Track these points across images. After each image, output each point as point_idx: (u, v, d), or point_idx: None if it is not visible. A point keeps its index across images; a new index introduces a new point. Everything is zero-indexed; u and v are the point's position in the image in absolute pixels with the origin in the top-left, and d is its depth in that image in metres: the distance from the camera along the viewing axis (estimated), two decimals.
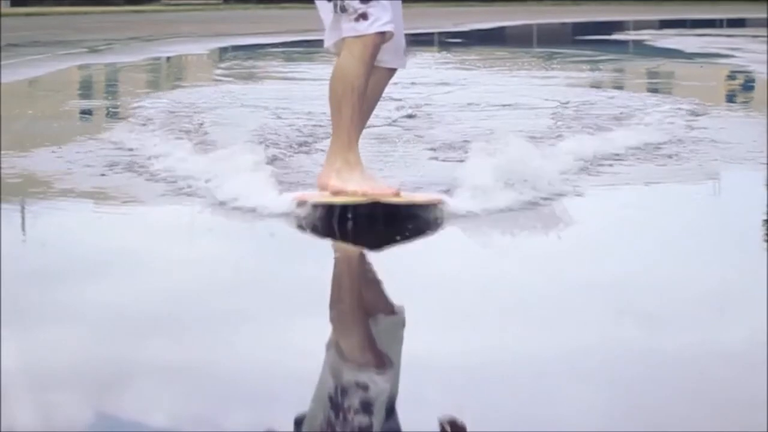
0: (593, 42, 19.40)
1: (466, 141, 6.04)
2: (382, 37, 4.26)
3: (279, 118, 7.31)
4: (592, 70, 12.40)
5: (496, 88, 9.86)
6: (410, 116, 7.48)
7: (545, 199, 4.44)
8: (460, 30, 24.41)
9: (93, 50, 16.88)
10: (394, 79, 4.76)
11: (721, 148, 6.05)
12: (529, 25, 27.39)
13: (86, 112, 8.83)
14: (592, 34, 22.51)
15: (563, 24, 29.13)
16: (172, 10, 41.09)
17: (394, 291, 3.45)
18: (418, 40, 18.72)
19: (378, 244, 4.06)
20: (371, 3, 4.20)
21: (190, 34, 22.46)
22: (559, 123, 6.98)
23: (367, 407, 2.43)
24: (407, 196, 4.24)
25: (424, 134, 6.54)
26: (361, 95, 4.28)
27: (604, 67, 12.98)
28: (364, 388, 2.53)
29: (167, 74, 13.77)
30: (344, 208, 4.13)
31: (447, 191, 4.38)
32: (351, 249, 4.07)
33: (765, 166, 5.58)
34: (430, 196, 4.34)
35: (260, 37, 21.02)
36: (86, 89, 11.61)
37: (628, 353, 2.82)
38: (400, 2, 4.40)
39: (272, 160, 5.30)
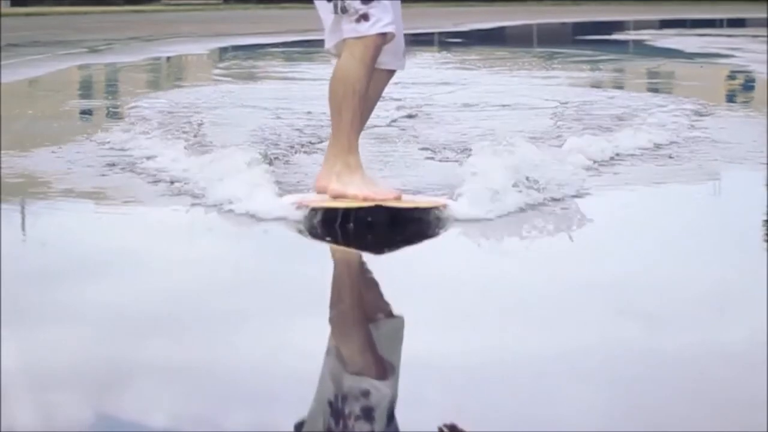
0: (593, 42, 19.41)
1: (466, 142, 6.04)
2: (384, 38, 4.22)
3: (279, 118, 7.31)
4: (592, 70, 12.40)
5: (496, 88, 9.86)
6: (410, 116, 7.48)
7: (553, 200, 4.43)
8: (460, 30, 24.41)
9: (93, 50, 16.88)
10: (394, 79, 4.75)
11: (721, 148, 6.05)
12: (529, 25, 27.40)
13: (86, 112, 8.83)
14: (592, 34, 22.51)
15: (563, 24, 29.14)
16: (172, 10, 41.10)
17: (394, 292, 3.45)
18: (418, 40, 18.72)
19: (380, 247, 4.04)
20: (372, 3, 4.17)
21: (190, 34, 22.47)
22: (560, 123, 6.98)
23: (367, 412, 2.43)
24: (409, 200, 4.21)
25: (424, 135, 6.54)
26: (361, 98, 4.25)
27: (605, 67, 12.98)
28: (365, 393, 2.53)
29: (167, 74, 13.77)
30: (346, 212, 4.08)
31: (449, 194, 4.35)
32: (351, 252, 4.05)
33: (765, 166, 5.58)
34: (433, 199, 4.31)
35: (260, 37, 21.03)
36: (86, 89, 11.61)
37: (628, 353, 2.82)
38: (400, 3, 4.37)
39: (272, 161, 5.30)
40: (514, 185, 4.33)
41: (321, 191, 4.31)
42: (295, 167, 5.35)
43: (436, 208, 4.15)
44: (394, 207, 4.09)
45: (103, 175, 5.21)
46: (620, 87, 10.53)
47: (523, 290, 3.47)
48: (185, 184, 4.74)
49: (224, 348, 2.87)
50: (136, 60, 14.88)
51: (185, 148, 5.60)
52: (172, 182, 4.84)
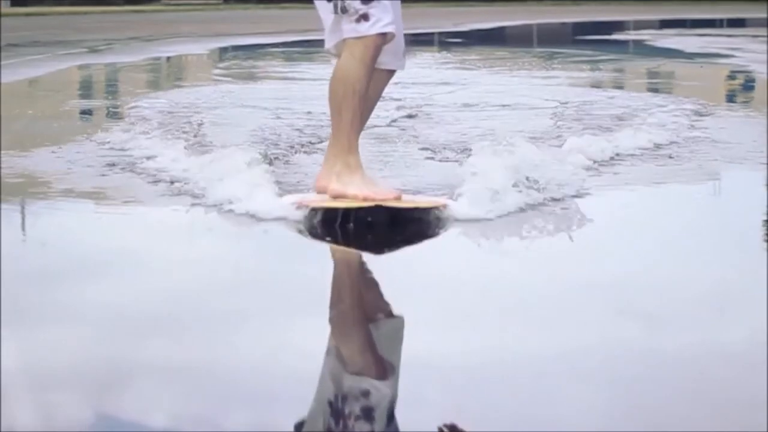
0: (593, 42, 19.41)
1: (466, 142, 6.04)
2: (384, 38, 4.22)
3: (279, 118, 7.31)
4: (592, 70, 12.40)
5: (496, 88, 9.86)
6: (410, 116, 7.48)
7: (553, 200, 4.42)
8: (460, 30, 24.41)
9: (93, 50, 16.88)
10: (394, 79, 4.75)
11: (721, 148, 6.05)
12: (529, 25, 27.40)
13: (86, 112, 8.83)
14: (592, 34, 22.51)
15: (563, 24, 29.14)
16: (172, 10, 41.10)
17: (394, 292, 3.45)
18: (418, 40, 18.72)
19: (380, 247, 4.04)
20: (372, 3, 4.16)
21: (190, 34, 22.47)
22: (560, 123, 6.98)
23: (367, 412, 2.43)
24: (409, 200, 4.20)
25: (424, 135, 6.54)
26: (362, 98, 4.24)
27: (605, 67, 12.98)
28: (365, 393, 2.53)
29: (167, 74, 13.77)
30: (346, 212, 4.07)
31: (449, 194, 4.34)
32: (351, 252, 4.04)
33: (765, 166, 5.58)
34: (433, 199, 4.30)
35: (260, 37, 21.03)
36: (86, 89, 11.61)
37: (628, 353, 2.82)
38: (399, 3, 4.36)
39: (272, 161, 5.30)
40: (514, 185, 4.32)
41: (321, 191, 4.30)
42: (295, 167, 5.35)
43: (436, 208, 4.14)
44: (394, 207, 4.08)
45: (103, 175, 5.21)
46: (620, 87, 10.54)
47: (523, 290, 3.47)
48: (185, 184, 4.73)
49: (224, 348, 2.87)
50: (136, 60, 14.88)
51: (185, 148, 5.60)
52: (172, 182, 4.84)
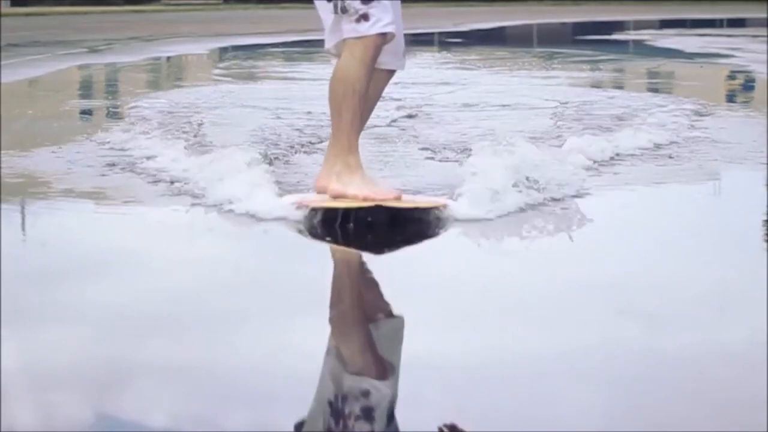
0: (593, 42, 19.41)
1: (466, 142, 6.04)
2: (384, 38, 4.21)
3: (279, 118, 7.31)
4: (592, 70, 12.40)
5: (496, 88, 9.86)
6: (410, 116, 7.48)
7: (553, 200, 4.42)
8: (460, 30, 24.41)
9: (93, 50, 16.88)
10: (394, 79, 4.75)
11: (721, 148, 6.05)
12: (529, 25, 27.40)
13: (86, 112, 8.83)
14: (592, 34, 22.51)
15: (563, 24, 29.14)
16: (172, 10, 41.10)
17: (394, 292, 3.45)
18: (418, 40, 18.72)
19: (380, 247, 4.03)
20: (372, 3, 4.15)
21: (190, 34, 22.47)
22: (560, 123, 6.98)
23: (367, 412, 2.43)
24: (409, 200, 4.19)
25: (424, 135, 6.54)
26: (362, 98, 4.23)
27: (605, 67, 12.98)
28: (365, 393, 2.53)
29: (167, 74, 13.77)
30: (346, 212, 4.07)
31: (449, 194, 4.33)
32: (351, 252, 4.04)
33: (765, 166, 5.58)
34: (433, 199, 4.29)
35: (260, 37, 21.03)
36: (86, 89, 11.61)
37: (628, 353, 2.82)
38: (399, 2, 4.35)
39: (272, 161, 5.30)
40: (514, 185, 4.32)
41: (321, 191, 4.29)
42: (295, 167, 5.35)
43: (436, 208, 4.13)
44: (394, 207, 4.07)
45: (103, 175, 5.21)
46: (620, 87, 10.54)
47: (523, 290, 3.47)
48: (185, 184, 4.73)
49: (224, 348, 2.87)
50: (136, 60, 14.88)
51: (185, 148, 5.60)
52: (172, 182, 4.84)
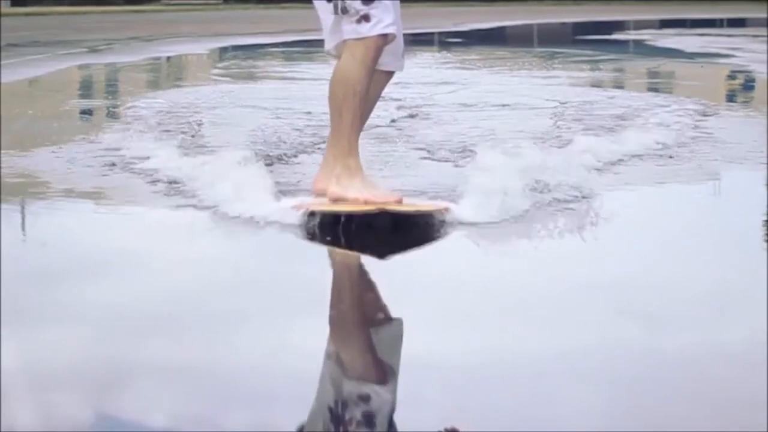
0: (593, 42, 19.41)
1: (467, 142, 6.04)
2: (385, 39, 4.16)
3: (278, 118, 7.31)
4: (592, 70, 12.40)
5: (496, 88, 9.86)
6: (410, 116, 7.47)
7: (558, 202, 4.38)
8: (460, 30, 24.41)
9: (93, 50, 16.88)
10: (394, 79, 4.73)
11: (721, 148, 6.05)
12: (530, 25, 27.40)
13: (86, 112, 8.83)
14: (593, 33, 22.51)
15: (563, 24, 29.14)
16: (171, 10, 41.10)
17: (396, 296, 3.45)
18: (418, 40, 18.73)
19: (382, 251, 3.99)
20: (373, 4, 4.11)
21: (189, 34, 22.47)
22: (560, 123, 6.98)
23: (367, 418, 2.42)
24: (411, 204, 4.13)
25: (424, 135, 6.54)
26: (362, 99, 4.19)
27: (605, 66, 12.98)
28: (365, 398, 2.52)
29: (167, 74, 13.77)
30: (349, 216, 4.00)
31: (452, 197, 4.28)
32: (353, 255, 4.02)
33: (765, 166, 5.58)
34: (436, 203, 4.22)
35: (260, 37, 21.03)
36: (86, 89, 11.61)
37: (628, 353, 2.82)
38: (398, 2, 4.30)
39: (272, 161, 5.30)
40: (519, 188, 4.24)
41: (319, 194, 4.26)
42: (294, 167, 5.35)
43: (439, 211, 4.07)
44: (397, 212, 4.01)
45: (103, 175, 5.21)
46: (621, 87, 10.54)
47: (523, 290, 3.47)
48: (183, 185, 4.71)
49: (224, 348, 2.87)
50: (136, 60, 14.88)
51: (184, 148, 5.60)
52: (170, 183, 4.83)
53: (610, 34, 22.38)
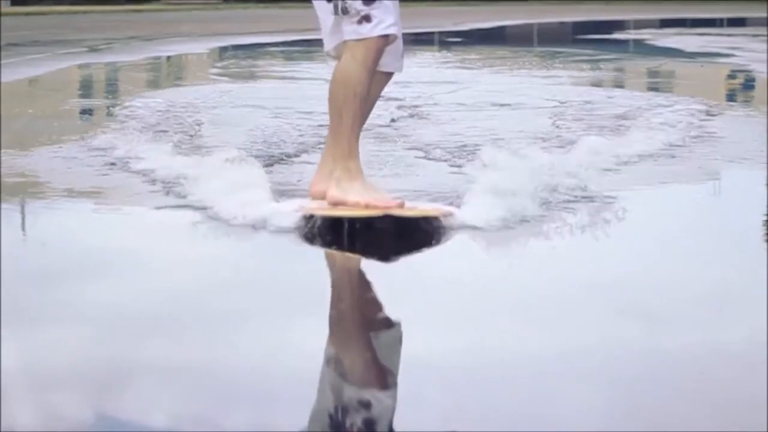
0: (594, 41, 19.41)
1: (467, 142, 6.04)
2: (386, 40, 4.09)
3: (278, 117, 7.31)
4: (593, 69, 12.40)
5: (496, 87, 9.86)
6: (410, 116, 7.47)
7: (560, 204, 4.33)
8: (461, 29, 24.41)
9: (93, 49, 16.88)
10: (394, 79, 4.72)
11: (721, 148, 6.05)
12: (530, 25, 27.40)
13: (86, 112, 8.83)
14: (593, 33, 22.51)
15: (563, 23, 29.13)
16: (171, 9, 41.09)
17: (394, 294, 3.45)
18: (418, 40, 18.72)
19: (385, 255, 3.91)
20: (374, 4, 4.05)
21: (189, 33, 22.47)
22: (561, 123, 6.97)
23: (367, 425, 2.42)
24: (414, 208, 4.05)
25: (424, 135, 6.53)
26: (362, 101, 4.12)
27: (605, 66, 12.98)
28: (365, 404, 2.51)
29: (167, 74, 13.77)
30: (352, 221, 3.91)
31: (454, 200, 4.23)
32: (355, 259, 3.97)
33: (765, 166, 5.58)
34: (440, 207, 4.13)
35: (260, 36, 21.02)
36: (86, 88, 11.61)
37: (628, 353, 2.82)
38: (398, 2, 4.22)
39: (271, 163, 5.30)
40: (522, 190, 4.15)
41: (316, 196, 4.19)
42: (294, 167, 5.34)
43: (443, 215, 3.99)
44: (402, 216, 3.93)
45: (103, 175, 5.21)
46: (621, 86, 10.54)
47: (523, 290, 3.47)
48: (182, 186, 4.67)
49: (224, 348, 2.87)
50: (136, 59, 14.88)
51: (183, 149, 5.59)
52: (169, 183, 4.80)
53: (610, 33, 22.38)
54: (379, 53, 4.11)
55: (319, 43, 4.48)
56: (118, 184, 4.99)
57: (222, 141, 6.09)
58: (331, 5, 4.11)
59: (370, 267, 3.87)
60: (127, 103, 8.33)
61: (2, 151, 5.88)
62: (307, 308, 3.29)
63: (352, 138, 4.14)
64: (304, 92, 9.08)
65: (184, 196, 4.54)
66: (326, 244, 3.94)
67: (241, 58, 15.29)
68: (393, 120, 7.16)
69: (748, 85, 11.31)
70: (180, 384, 2.62)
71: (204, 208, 4.30)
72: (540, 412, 2.45)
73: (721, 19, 28.81)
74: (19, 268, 3.66)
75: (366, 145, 5.30)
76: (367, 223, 3.93)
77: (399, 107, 7.74)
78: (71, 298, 3.32)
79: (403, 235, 3.93)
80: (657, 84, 11.31)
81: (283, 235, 3.99)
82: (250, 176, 4.40)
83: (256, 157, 5.31)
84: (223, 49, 17.76)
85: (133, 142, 5.98)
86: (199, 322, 3.13)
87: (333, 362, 2.84)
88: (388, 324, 3.17)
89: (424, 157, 5.64)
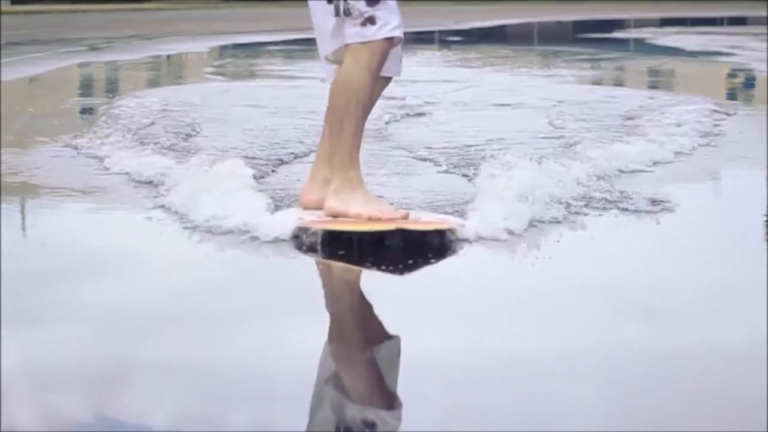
0: (594, 40, 19.41)
1: (467, 142, 6.04)
2: (391, 43, 3.88)
3: (277, 116, 7.31)
4: (593, 68, 12.40)
5: (497, 86, 9.86)
6: (410, 116, 7.47)
7: (563, 210, 4.27)
8: (461, 28, 24.41)
9: (93, 48, 16.89)
10: (394, 78, 4.71)
11: (721, 147, 6.05)
12: (530, 24, 27.40)
13: (86, 111, 8.83)
14: (593, 32, 22.51)
15: (563, 22, 29.13)
16: (172, 8, 41.09)
17: (394, 293, 3.45)
18: (418, 39, 18.72)
19: (393, 268, 3.68)
20: (378, 5, 3.84)
21: (190, 32, 22.47)
22: (561, 123, 6.97)
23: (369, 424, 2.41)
24: (418, 219, 3.88)
25: (424, 135, 6.53)
26: (365, 108, 3.93)
27: (606, 65, 12.98)
28: (370, 424, 2.48)
29: (167, 72, 13.77)
30: (360, 235, 3.72)
31: (459, 211, 4.12)
32: (356, 270, 3.84)
33: (765, 165, 5.57)
34: (445, 218, 3.97)
35: (260, 35, 21.03)
36: (86, 87, 11.61)
37: (628, 353, 2.82)
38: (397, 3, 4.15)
39: (271, 166, 5.29)
40: (527, 200, 4.05)
41: (309, 207, 4.02)
42: (294, 167, 5.34)
43: (450, 229, 3.81)
44: (412, 230, 3.74)
45: (103, 175, 5.21)
46: (621, 85, 10.54)
47: (523, 290, 3.47)
48: (181, 185, 4.59)
49: (224, 348, 2.87)
50: (136, 58, 14.88)
51: (181, 150, 5.59)
52: (168, 183, 4.77)
53: (610, 32, 22.37)
54: (384, 57, 3.90)
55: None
56: (119, 184, 4.99)
57: (222, 141, 6.09)
58: (331, 6, 3.90)
59: (370, 272, 3.82)
60: (129, 103, 8.32)
61: (2, 150, 5.88)
62: (307, 308, 3.29)
63: (354, 147, 3.93)
64: (304, 92, 9.08)
65: (181, 197, 4.45)
66: (331, 257, 3.76)
67: (241, 57, 15.29)
68: (393, 120, 7.16)
69: (749, 84, 11.31)
70: (180, 384, 2.62)
71: (199, 223, 4.09)
72: (540, 412, 2.45)
73: (722, 18, 28.82)
74: (19, 268, 3.66)
75: (366, 145, 5.29)
76: (378, 238, 3.75)
77: (399, 107, 7.74)
78: (71, 298, 3.32)
79: (409, 248, 3.76)
80: (657, 83, 11.30)
81: (282, 245, 3.83)
82: (248, 183, 4.28)
83: (256, 158, 5.32)
84: (223, 48, 17.76)
85: (133, 142, 5.98)
86: (199, 322, 3.13)
87: (333, 366, 2.84)
88: (387, 336, 3.14)
89: (424, 158, 5.63)
